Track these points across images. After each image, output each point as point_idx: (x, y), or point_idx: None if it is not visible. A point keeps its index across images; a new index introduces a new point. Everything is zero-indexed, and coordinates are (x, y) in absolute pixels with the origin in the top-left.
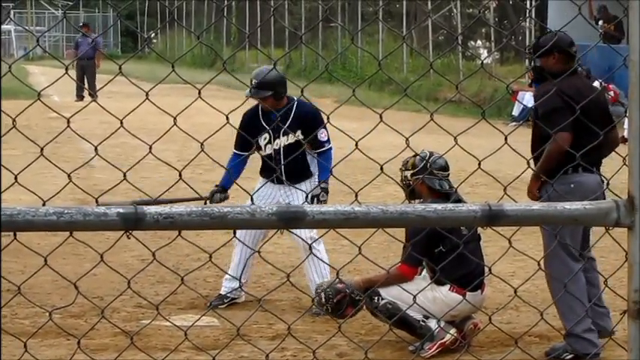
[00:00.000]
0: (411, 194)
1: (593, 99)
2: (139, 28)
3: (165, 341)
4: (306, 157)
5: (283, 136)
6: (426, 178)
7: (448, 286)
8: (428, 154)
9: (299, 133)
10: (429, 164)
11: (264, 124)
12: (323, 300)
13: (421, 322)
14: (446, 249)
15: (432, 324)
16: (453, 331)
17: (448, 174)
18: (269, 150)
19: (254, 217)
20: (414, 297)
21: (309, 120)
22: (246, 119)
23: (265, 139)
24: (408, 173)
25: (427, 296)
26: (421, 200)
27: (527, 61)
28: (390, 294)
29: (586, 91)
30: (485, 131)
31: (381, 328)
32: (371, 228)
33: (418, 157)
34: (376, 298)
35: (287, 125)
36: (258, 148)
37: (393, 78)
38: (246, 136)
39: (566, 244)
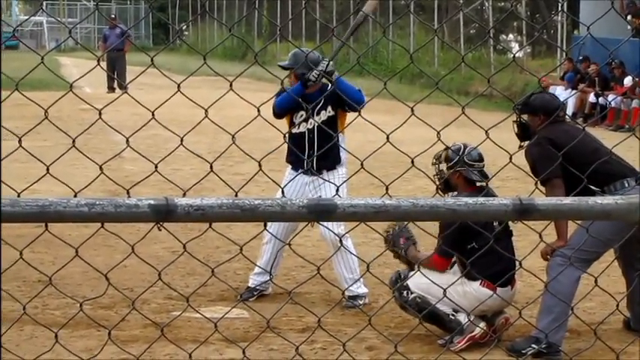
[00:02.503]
0: (446, 187)
1: (581, 138)
2: (170, 20)
3: (196, 333)
4: (338, 139)
5: (317, 115)
6: (464, 169)
7: (479, 281)
8: (462, 146)
9: (329, 108)
10: (465, 155)
11: (302, 101)
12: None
13: (451, 316)
14: (479, 245)
15: (462, 318)
16: (482, 324)
17: (484, 165)
18: (302, 128)
19: (285, 210)
20: (444, 290)
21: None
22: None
23: (301, 116)
24: (444, 166)
25: (458, 290)
26: (455, 193)
27: (558, 54)
28: (419, 288)
29: (573, 132)
30: None
31: (410, 321)
32: (401, 221)
33: (450, 149)
34: (405, 292)
35: (322, 103)
36: (292, 125)
37: (424, 71)
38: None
39: (582, 249)
